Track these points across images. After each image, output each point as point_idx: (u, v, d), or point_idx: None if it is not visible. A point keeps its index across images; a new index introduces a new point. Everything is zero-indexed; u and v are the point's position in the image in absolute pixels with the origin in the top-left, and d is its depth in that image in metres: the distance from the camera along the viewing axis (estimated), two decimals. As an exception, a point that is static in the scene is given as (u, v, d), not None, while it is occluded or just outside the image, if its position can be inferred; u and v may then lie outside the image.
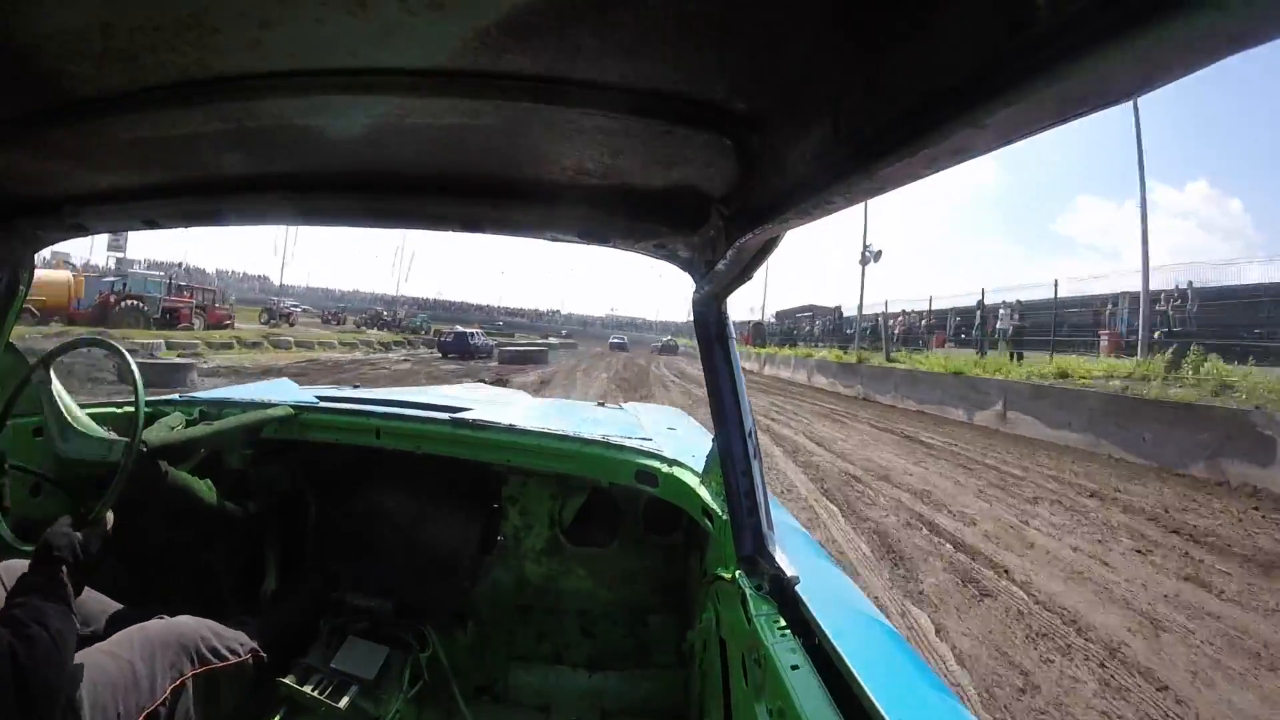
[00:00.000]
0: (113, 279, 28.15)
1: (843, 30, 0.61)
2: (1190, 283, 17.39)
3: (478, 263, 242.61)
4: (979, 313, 21.53)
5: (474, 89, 0.80)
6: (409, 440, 2.20)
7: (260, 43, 0.72)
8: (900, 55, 0.56)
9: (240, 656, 1.63)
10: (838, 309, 35.54)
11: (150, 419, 1.87)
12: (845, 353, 27.62)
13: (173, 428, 1.92)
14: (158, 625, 1.53)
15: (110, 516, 1.45)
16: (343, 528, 2.25)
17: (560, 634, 2.41)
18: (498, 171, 1.15)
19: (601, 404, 3.79)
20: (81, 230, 1.48)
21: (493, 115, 0.87)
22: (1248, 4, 0.30)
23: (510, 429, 2.16)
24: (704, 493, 1.83)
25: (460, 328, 40.81)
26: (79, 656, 1.29)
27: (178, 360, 17.00)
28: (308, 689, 1.76)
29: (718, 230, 1.08)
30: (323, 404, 2.38)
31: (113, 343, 1.89)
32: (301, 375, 17.57)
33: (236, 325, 32.39)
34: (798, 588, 1.33)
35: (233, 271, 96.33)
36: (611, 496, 2.36)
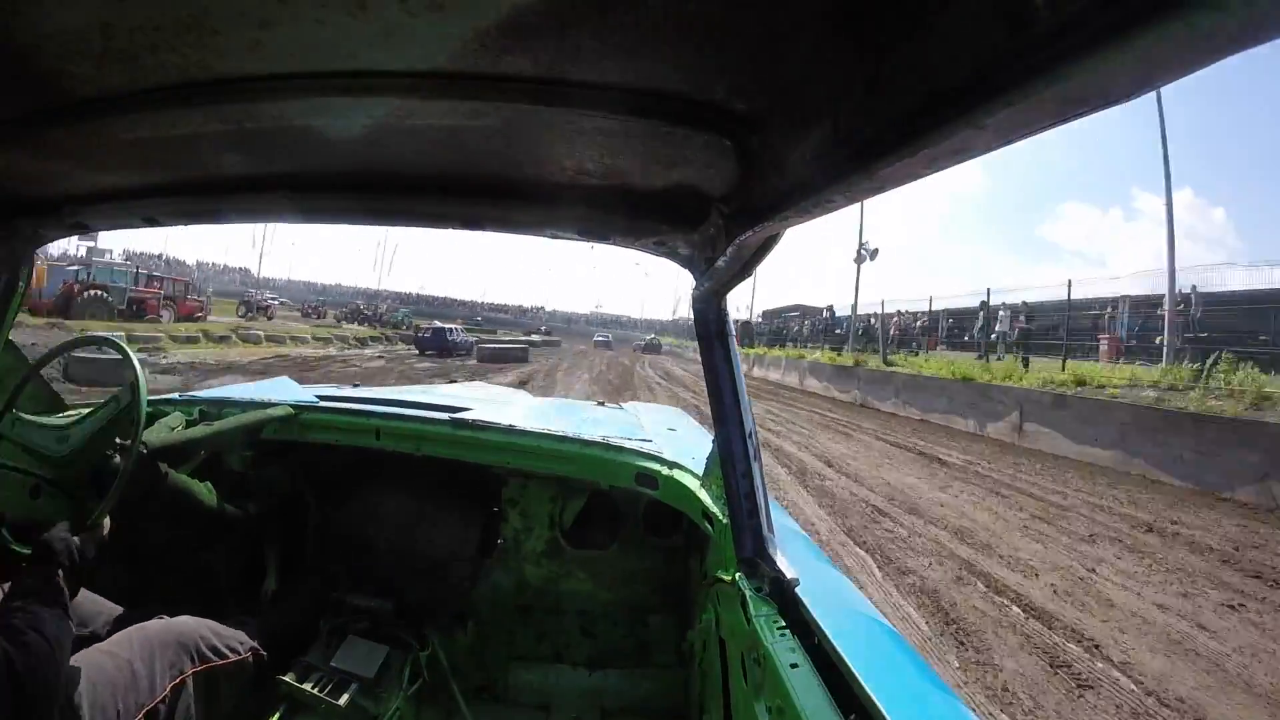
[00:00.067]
0: (77, 268, 26.89)
1: (843, 30, 0.61)
2: (1194, 287, 16.67)
3: (462, 258, 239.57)
4: (982, 314, 20.47)
5: (474, 90, 0.81)
6: (409, 441, 2.19)
7: (260, 44, 0.73)
8: (900, 55, 0.56)
9: (240, 655, 1.62)
10: (830, 308, 34.30)
11: (150, 419, 1.84)
12: (839, 354, 26.45)
13: (173, 428, 1.91)
14: (157, 624, 1.53)
15: (107, 522, 1.47)
16: (343, 529, 2.24)
17: (560, 634, 2.41)
18: (498, 171, 1.16)
19: (602, 404, 3.73)
20: (82, 229, 1.48)
21: (493, 116, 0.87)
22: (1248, 4, 0.30)
23: (510, 430, 2.15)
24: (704, 496, 1.83)
25: (439, 323, 38.51)
26: (78, 656, 1.30)
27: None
28: (307, 687, 1.74)
29: (717, 228, 1.08)
30: (323, 404, 2.37)
31: (117, 341, 1.88)
32: (259, 374, 16.64)
33: (211, 318, 31.39)
34: (797, 589, 1.33)
35: (213, 264, 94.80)
36: (611, 499, 2.35)
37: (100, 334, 2.07)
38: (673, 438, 2.47)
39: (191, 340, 23.38)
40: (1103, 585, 5.23)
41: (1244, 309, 15.12)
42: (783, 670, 1.12)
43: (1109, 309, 18.30)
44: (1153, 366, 13.72)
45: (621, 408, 3.53)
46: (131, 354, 1.75)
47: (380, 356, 28.79)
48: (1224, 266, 16.64)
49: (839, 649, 1.13)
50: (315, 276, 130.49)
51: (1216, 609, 4.91)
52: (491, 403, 2.78)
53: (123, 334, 19.52)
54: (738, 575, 1.43)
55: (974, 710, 1.78)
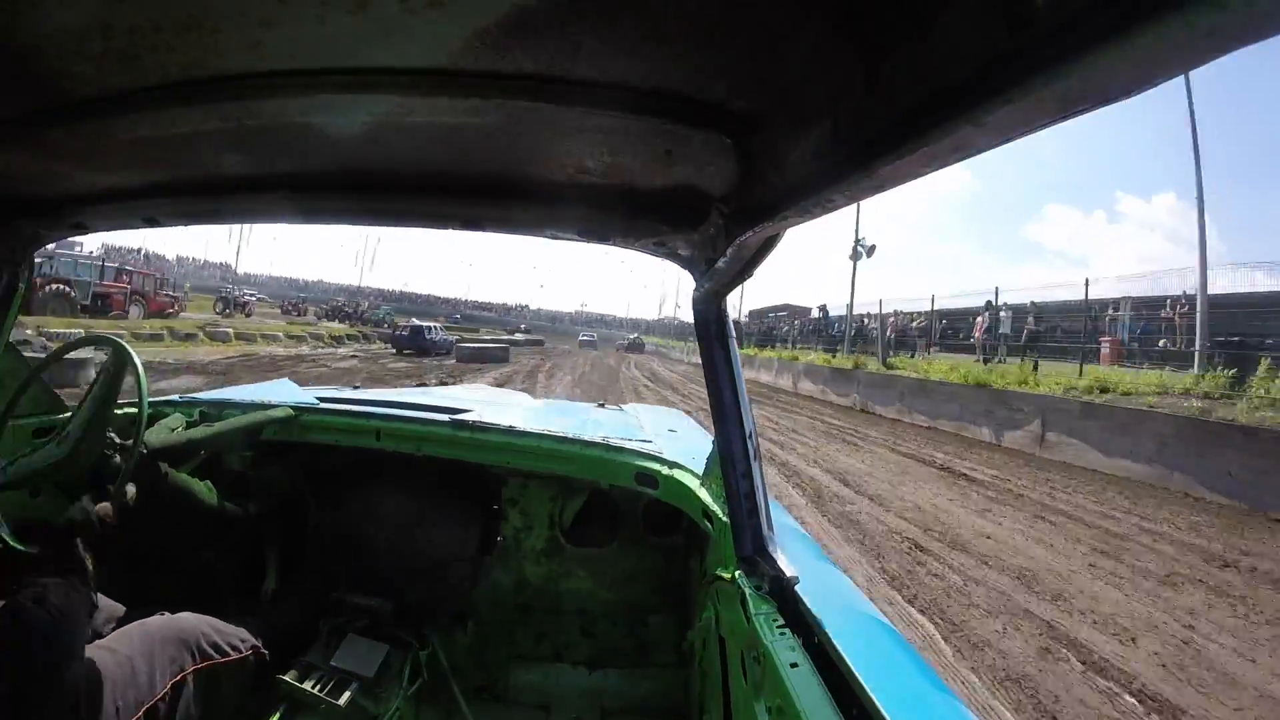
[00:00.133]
0: (40, 260, 25.10)
1: (843, 30, 0.61)
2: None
3: (446, 255, 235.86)
4: (987, 314, 19.42)
5: (474, 88, 0.80)
6: (409, 442, 2.19)
7: (260, 42, 0.72)
8: (900, 55, 0.56)
9: (241, 653, 1.62)
10: (823, 308, 33.06)
11: (150, 420, 1.85)
12: (834, 356, 25.36)
13: (173, 429, 1.90)
14: (158, 621, 1.52)
15: (131, 489, 1.53)
16: (343, 529, 2.23)
17: (560, 633, 2.40)
18: (498, 170, 1.16)
19: (602, 405, 3.72)
20: (82, 229, 1.48)
21: (493, 114, 0.87)
22: (1247, 3, 0.30)
23: (510, 430, 2.16)
24: (704, 495, 1.83)
25: (416, 321, 36.09)
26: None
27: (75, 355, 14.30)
28: (308, 686, 1.73)
29: (718, 228, 1.08)
30: (323, 405, 2.37)
31: (119, 342, 1.84)
32: (218, 375, 15.65)
33: (187, 315, 30.22)
34: (797, 588, 1.33)
35: (193, 259, 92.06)
36: (611, 498, 2.35)
37: (102, 333, 1.99)
38: (673, 438, 2.47)
39: (155, 338, 21.90)
40: (1211, 651, 4.30)
41: (1250, 311, 14.36)
42: (782, 669, 1.12)
43: (1110, 310, 17.52)
44: (1181, 372, 12.83)
45: (622, 409, 3.49)
46: (134, 355, 1.76)
47: (354, 356, 27.50)
48: (1189, 271, 15.33)
49: (838, 648, 1.13)
50: (298, 273, 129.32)
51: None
52: (491, 404, 2.77)
53: (81, 330, 18.45)
54: (737, 573, 1.43)
55: (974, 710, 1.57)
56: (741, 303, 46.97)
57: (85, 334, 2.18)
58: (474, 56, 0.73)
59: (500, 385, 16.89)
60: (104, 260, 27.15)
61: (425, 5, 0.62)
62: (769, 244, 1.03)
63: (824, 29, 0.62)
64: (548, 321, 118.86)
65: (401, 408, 2.36)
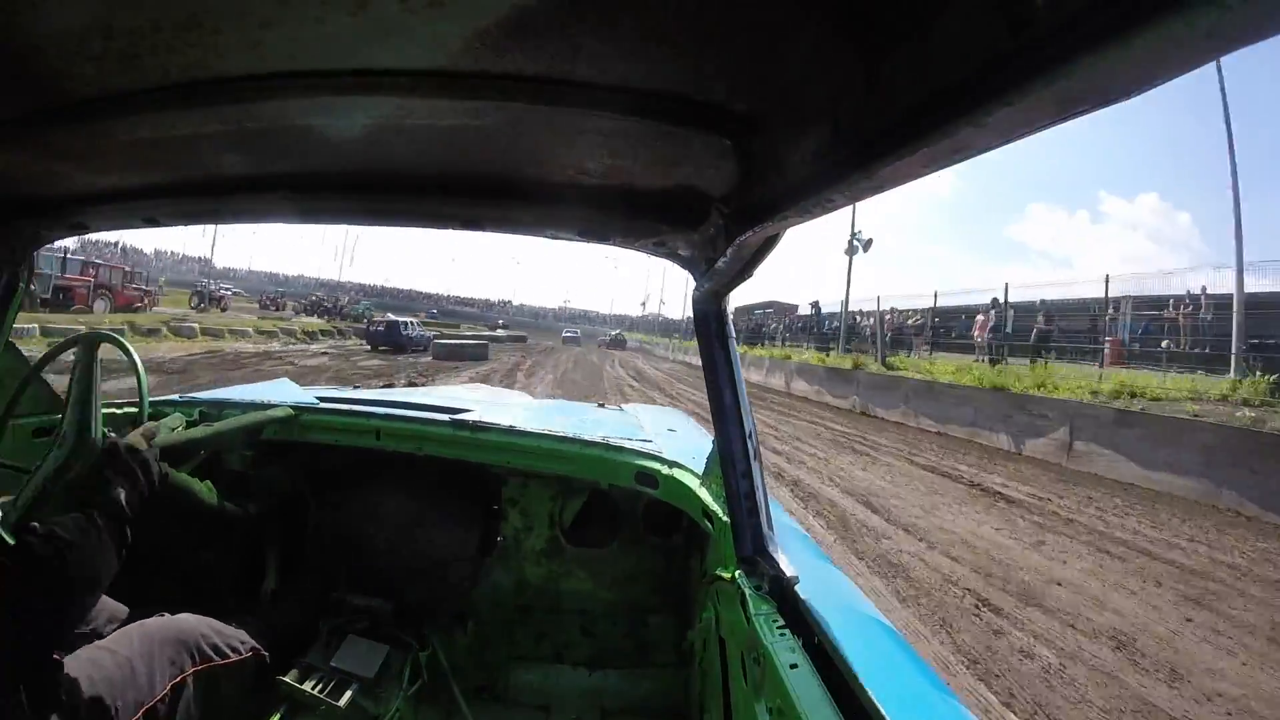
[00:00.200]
0: None
1: (843, 30, 0.61)
2: (1204, 288, 15.32)
3: (428, 251, 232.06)
4: (994, 312, 18.41)
5: (474, 89, 0.80)
6: (409, 441, 2.19)
7: (260, 43, 0.72)
8: (900, 55, 0.56)
9: (241, 654, 1.61)
10: (815, 304, 31.63)
11: (151, 420, 1.84)
12: (828, 355, 24.32)
13: (173, 429, 1.88)
14: (157, 622, 1.52)
15: (156, 427, 1.59)
16: (342, 529, 2.23)
17: (560, 634, 2.39)
18: (498, 171, 1.15)
19: (602, 405, 3.68)
20: (82, 229, 1.48)
21: (493, 116, 0.87)
22: (1247, 2, 0.30)
23: (510, 430, 2.15)
24: (704, 495, 1.82)
25: (393, 316, 34.45)
26: (77, 653, 1.30)
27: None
28: (308, 687, 1.73)
29: (718, 228, 1.07)
30: (323, 405, 2.36)
31: (118, 339, 1.85)
32: (175, 373, 14.75)
33: (159, 309, 29.10)
34: (797, 588, 1.33)
35: (171, 253, 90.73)
36: (611, 498, 2.35)
37: (103, 331, 1.85)
38: (673, 438, 2.46)
39: (116, 332, 20.32)
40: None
41: (1257, 312, 13.71)
42: (782, 670, 1.11)
43: (1110, 309, 16.78)
44: (1190, 374, 12.07)
45: (622, 409, 3.49)
46: (134, 354, 1.79)
47: (325, 353, 26.10)
48: (1170, 274, 15.57)
49: (838, 648, 1.12)
50: (277, 267, 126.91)
51: None
52: (492, 404, 2.76)
53: (36, 325, 17.59)
54: (737, 573, 1.42)
55: (974, 710, 1.55)
56: (730, 297, 45.27)
57: (87, 331, 1.91)
58: (474, 58, 0.73)
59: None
60: (66, 253, 25.73)
61: (425, 6, 0.62)
62: (769, 244, 1.04)
63: (824, 29, 0.62)
64: (531, 317, 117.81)
65: (401, 407, 2.36)
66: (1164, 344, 14.88)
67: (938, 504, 7.66)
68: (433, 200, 1.24)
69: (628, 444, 2.11)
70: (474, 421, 2.16)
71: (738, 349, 1.52)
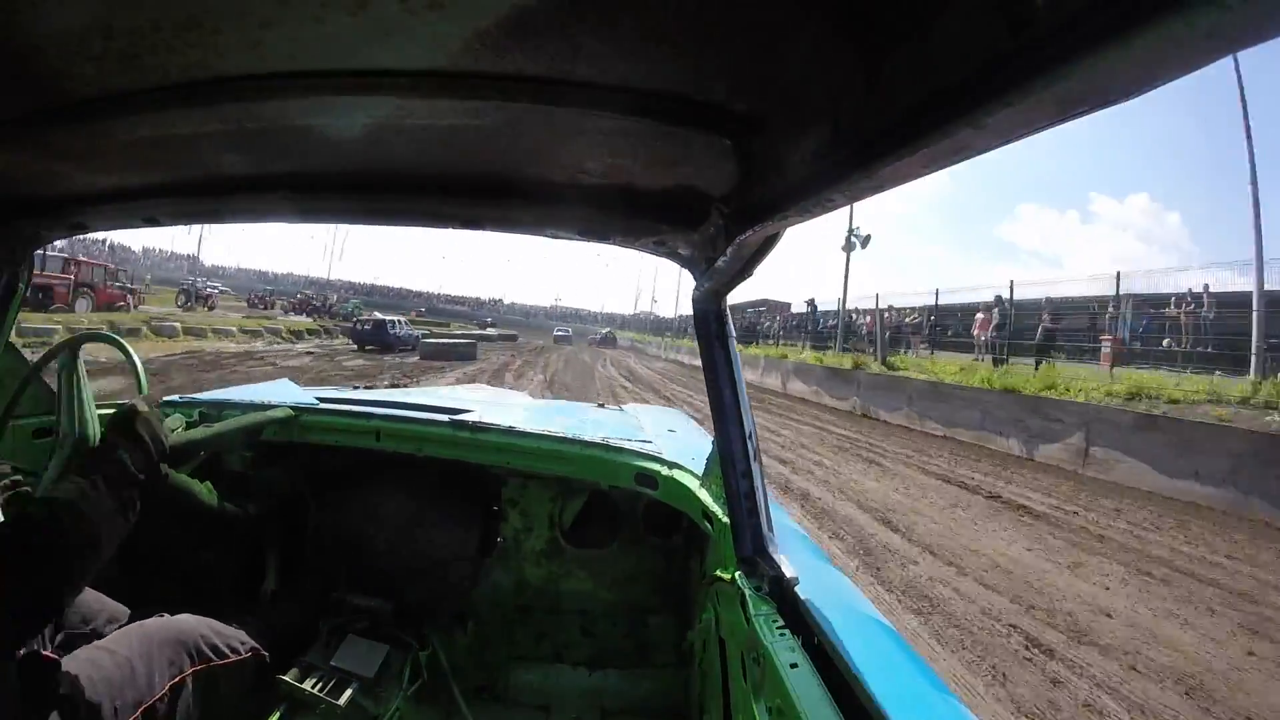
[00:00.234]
0: None
1: (843, 30, 0.61)
2: (1206, 286, 15.02)
3: (419, 249, 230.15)
4: (997, 311, 17.95)
5: (474, 89, 0.80)
6: (409, 442, 2.19)
7: (261, 43, 0.72)
8: (900, 55, 0.56)
9: (240, 654, 1.61)
10: (811, 302, 30.35)
11: None
12: (824, 354, 23.79)
13: (173, 429, 1.83)
14: (157, 623, 1.52)
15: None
16: (343, 529, 2.23)
17: (560, 634, 2.38)
18: (498, 171, 1.15)
19: (602, 405, 3.67)
20: (82, 229, 1.48)
21: (493, 116, 0.87)
22: (1247, 3, 0.30)
23: (510, 431, 2.15)
24: (704, 495, 1.82)
25: (379, 315, 33.71)
26: (76, 653, 1.31)
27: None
28: (307, 686, 1.72)
29: (718, 228, 1.07)
30: (323, 405, 2.36)
31: (117, 339, 1.86)
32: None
33: (144, 307, 28.42)
34: (797, 588, 1.33)
35: (160, 250, 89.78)
36: (611, 499, 2.34)
37: (102, 331, 1.95)
38: (673, 439, 2.45)
39: (105, 332, 19.76)
40: None
41: (1272, 309, 13.32)
42: (782, 670, 1.11)
43: (1110, 307, 16.41)
44: (1232, 378, 11.56)
45: (622, 409, 3.47)
46: (134, 354, 1.79)
47: (310, 353, 25.37)
48: (1161, 272, 15.18)
49: (838, 648, 1.12)
50: (267, 265, 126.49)
51: None
52: (491, 404, 2.75)
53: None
54: (737, 574, 1.42)
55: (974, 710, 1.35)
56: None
57: (88, 330, 2.02)
58: (474, 58, 0.73)
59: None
60: (45, 250, 24.82)
61: (425, 6, 0.62)
62: (769, 243, 1.04)
63: (824, 29, 0.62)
64: (522, 316, 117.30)
65: (401, 408, 2.36)
66: (1165, 343, 14.72)
67: (960, 519, 7.12)
68: (433, 200, 1.23)
69: (627, 445, 2.11)
70: (474, 422, 2.16)
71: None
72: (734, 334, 1.45)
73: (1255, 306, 11.90)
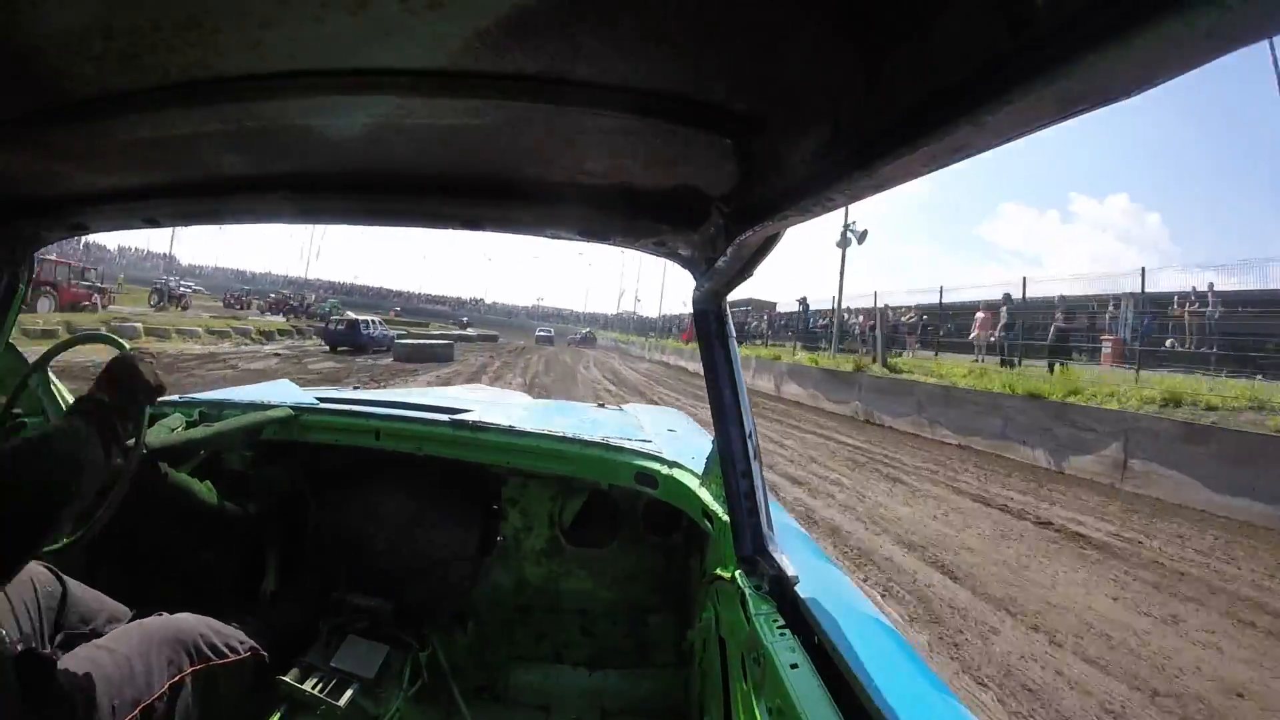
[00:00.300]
0: None
1: (843, 30, 0.60)
2: (1211, 285, 14.61)
3: (398, 248, 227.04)
4: (1004, 309, 17.17)
5: (474, 89, 0.79)
6: (409, 442, 2.18)
7: (261, 43, 0.71)
8: (900, 55, 0.56)
9: (240, 654, 1.61)
10: (803, 300, 29.02)
11: (150, 420, 1.82)
12: (819, 355, 22.91)
13: (173, 429, 1.89)
14: (156, 622, 1.51)
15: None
16: (342, 529, 2.22)
17: (560, 633, 2.37)
18: (498, 171, 1.15)
19: (602, 405, 3.67)
20: (82, 229, 1.48)
21: (493, 115, 0.86)
22: (1247, 2, 0.30)
23: (510, 430, 2.15)
24: (704, 494, 1.82)
25: (352, 315, 32.44)
26: (75, 652, 1.30)
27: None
28: (307, 686, 1.72)
29: (718, 228, 1.07)
30: (322, 405, 2.35)
31: (115, 338, 1.83)
32: (88, 381, 12.14)
33: (116, 307, 28.09)
34: (797, 588, 1.32)
35: (135, 249, 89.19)
36: (611, 498, 2.33)
37: (101, 331, 1.89)
38: (672, 438, 2.44)
39: (48, 334, 18.59)
40: None
41: (1266, 310, 13.18)
42: (782, 670, 1.11)
43: (1110, 306, 16.17)
44: (1254, 381, 10.91)
45: (622, 409, 3.46)
46: (124, 344, 1.75)
47: (277, 354, 24.24)
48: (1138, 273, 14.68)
49: (838, 648, 1.12)
50: (244, 265, 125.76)
51: None
52: (491, 404, 2.76)
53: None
54: (737, 573, 1.42)
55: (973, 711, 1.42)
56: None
57: (90, 330, 2.05)
58: (474, 57, 0.72)
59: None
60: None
61: (425, 6, 0.61)
62: (769, 243, 1.04)
63: (824, 29, 0.62)
64: (504, 316, 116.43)
65: (401, 408, 2.35)
66: (1168, 343, 14.52)
67: (1020, 558, 6.03)
68: (433, 200, 1.24)
69: (627, 444, 2.11)
70: (474, 422, 2.16)
71: (725, 349, 1.48)
72: (734, 334, 1.45)
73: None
